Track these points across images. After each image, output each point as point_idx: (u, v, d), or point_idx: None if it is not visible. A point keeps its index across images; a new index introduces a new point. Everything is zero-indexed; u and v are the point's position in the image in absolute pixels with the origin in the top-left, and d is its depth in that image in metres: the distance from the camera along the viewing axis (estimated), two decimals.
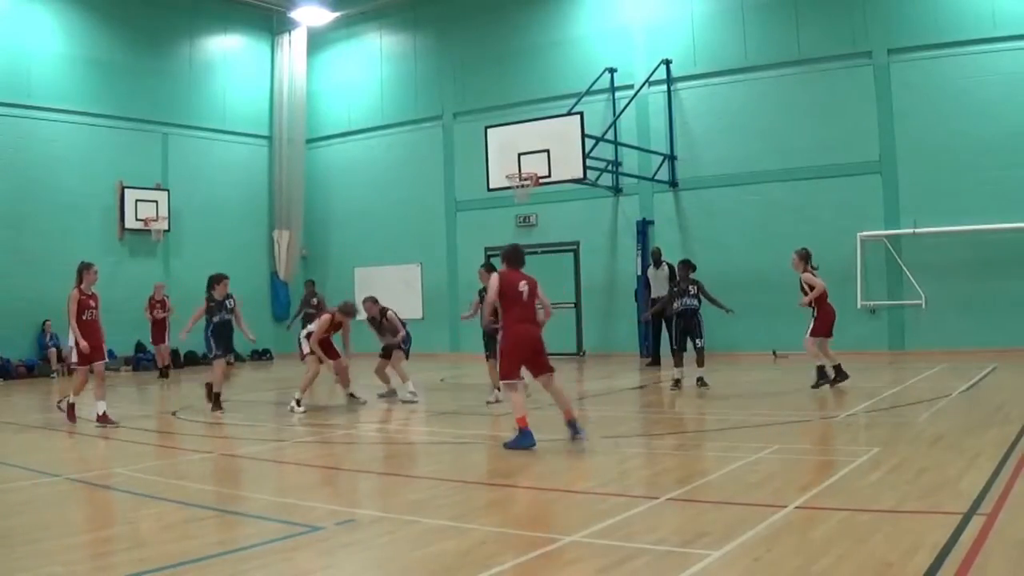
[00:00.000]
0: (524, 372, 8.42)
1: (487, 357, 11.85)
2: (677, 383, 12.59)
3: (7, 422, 11.54)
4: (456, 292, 21.76)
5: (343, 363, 12.15)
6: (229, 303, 11.87)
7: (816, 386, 11.65)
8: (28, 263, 19.08)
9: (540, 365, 8.34)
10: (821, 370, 11.68)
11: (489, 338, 11.26)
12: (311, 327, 12.36)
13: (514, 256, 8.56)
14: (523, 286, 8.33)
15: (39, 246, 19.28)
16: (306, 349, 12.05)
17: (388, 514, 5.81)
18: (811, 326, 11.86)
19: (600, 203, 20.17)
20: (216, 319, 11.73)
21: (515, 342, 8.25)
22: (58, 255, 18.22)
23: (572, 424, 8.15)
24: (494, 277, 8.39)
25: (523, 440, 7.91)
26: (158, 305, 17.94)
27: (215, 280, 11.84)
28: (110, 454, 9.10)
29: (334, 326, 12.05)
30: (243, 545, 5.19)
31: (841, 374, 11.69)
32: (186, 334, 12.29)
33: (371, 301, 12.64)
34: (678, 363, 12.70)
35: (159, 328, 17.91)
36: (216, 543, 5.20)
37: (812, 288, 11.82)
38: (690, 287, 12.67)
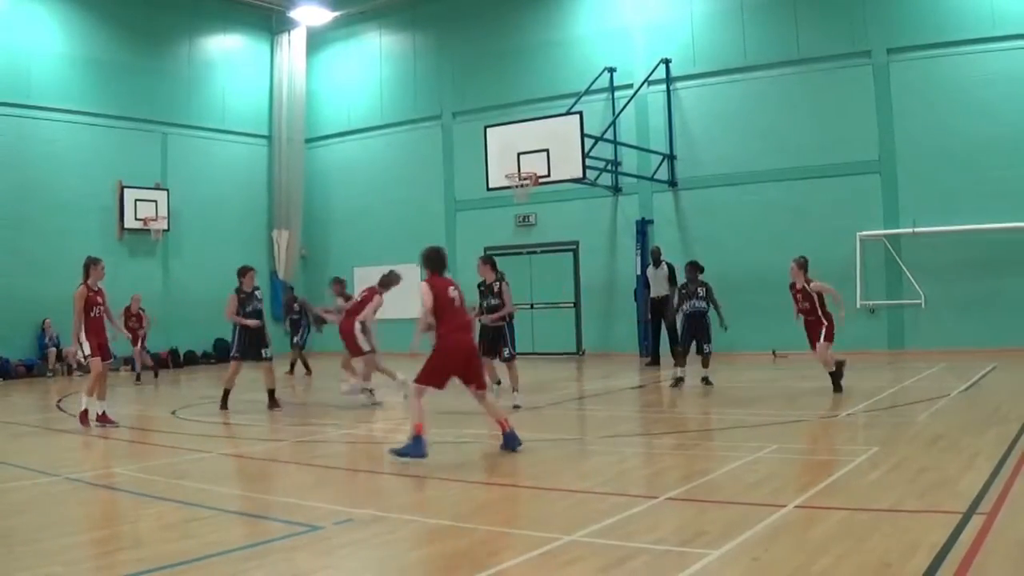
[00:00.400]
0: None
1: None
2: (678, 382, 12.57)
3: (7, 422, 11.54)
4: None
5: (375, 356, 12.27)
6: (258, 294, 11.90)
7: (838, 389, 11.37)
8: (28, 263, 19.09)
9: (473, 376, 7.90)
10: (833, 374, 11.55)
11: (494, 334, 11.17)
12: (365, 314, 12.11)
13: (437, 260, 7.97)
14: (453, 291, 7.87)
15: (39, 246, 19.29)
16: (365, 347, 12.00)
17: (388, 514, 5.81)
18: (824, 332, 11.44)
19: (599, 203, 20.17)
20: (249, 308, 11.69)
21: (450, 352, 7.75)
22: (57, 255, 18.28)
23: (510, 436, 7.85)
24: (424, 287, 7.76)
25: (415, 448, 7.52)
26: (133, 318, 17.10)
27: (242, 272, 11.85)
28: (110, 454, 9.10)
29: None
30: (243, 545, 5.20)
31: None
32: (249, 321, 11.61)
33: (338, 282, 13.22)
34: (679, 362, 12.68)
35: (134, 336, 17.18)
36: (216, 543, 5.19)
37: (821, 294, 11.55)
38: (699, 289, 12.61)
